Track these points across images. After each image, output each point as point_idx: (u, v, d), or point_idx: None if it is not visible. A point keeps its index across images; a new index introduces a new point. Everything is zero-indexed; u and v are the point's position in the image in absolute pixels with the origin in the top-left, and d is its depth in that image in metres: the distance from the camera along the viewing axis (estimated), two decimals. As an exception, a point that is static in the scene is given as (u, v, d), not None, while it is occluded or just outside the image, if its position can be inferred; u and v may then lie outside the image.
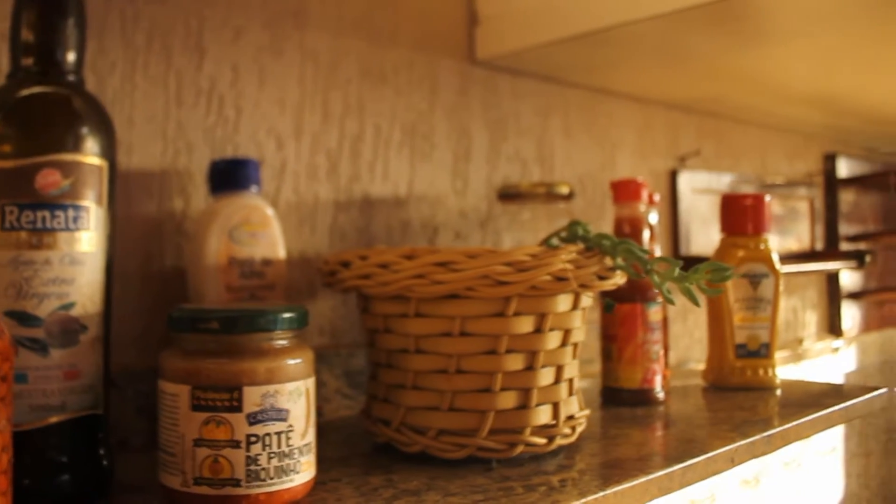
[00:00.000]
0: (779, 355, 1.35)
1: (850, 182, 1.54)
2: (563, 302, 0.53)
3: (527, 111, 0.91)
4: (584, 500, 0.46)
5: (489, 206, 0.84)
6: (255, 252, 0.61)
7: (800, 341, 1.42)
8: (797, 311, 1.44)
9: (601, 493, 0.47)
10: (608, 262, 0.53)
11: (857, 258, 1.41)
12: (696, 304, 0.50)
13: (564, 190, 0.74)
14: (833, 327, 1.51)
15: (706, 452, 0.57)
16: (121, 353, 0.57)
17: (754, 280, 0.83)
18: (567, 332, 0.55)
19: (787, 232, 1.42)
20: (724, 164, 1.25)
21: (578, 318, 0.55)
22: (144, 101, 0.63)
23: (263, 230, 0.61)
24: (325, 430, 0.67)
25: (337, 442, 0.63)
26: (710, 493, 1.17)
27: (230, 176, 0.62)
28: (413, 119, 0.80)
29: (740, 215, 0.84)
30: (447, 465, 0.53)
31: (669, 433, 0.65)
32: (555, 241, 0.55)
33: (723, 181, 1.23)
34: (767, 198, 0.85)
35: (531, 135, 0.92)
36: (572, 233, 0.54)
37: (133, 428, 0.59)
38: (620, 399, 0.74)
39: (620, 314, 0.74)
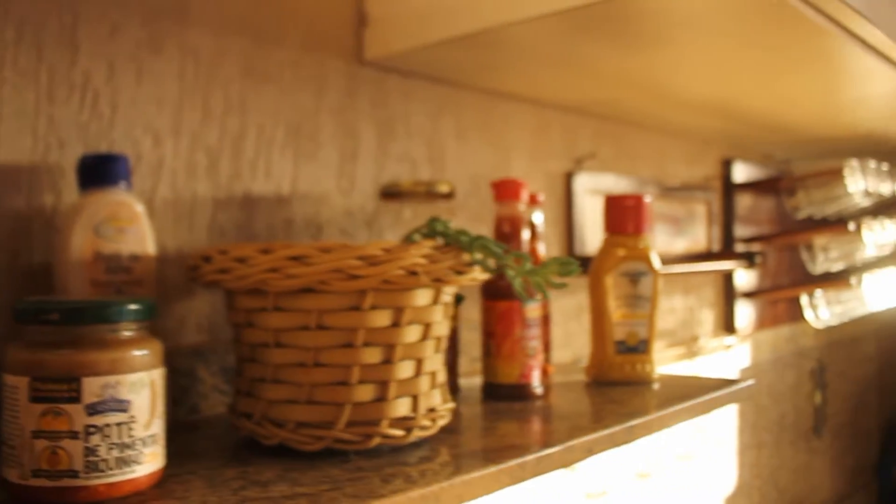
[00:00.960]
0: (674, 352, 1.41)
1: (746, 186, 1.60)
2: (421, 296, 0.55)
3: (417, 112, 0.93)
4: (427, 489, 0.47)
5: (376, 205, 0.85)
6: (122, 248, 0.60)
7: (695, 339, 1.48)
8: (693, 309, 1.49)
9: (447, 482, 0.49)
10: (465, 257, 0.55)
11: (748, 258, 1.48)
12: (546, 297, 0.52)
13: (444, 188, 0.76)
14: (728, 325, 1.57)
15: (564, 443, 0.59)
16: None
17: (634, 278, 0.86)
18: (428, 326, 0.56)
19: (685, 233, 1.47)
20: (622, 167, 1.29)
21: (439, 312, 0.57)
22: (14, 96, 0.62)
23: (132, 226, 0.61)
24: (200, 426, 0.68)
25: (208, 437, 0.63)
26: (603, 488, 1.20)
27: (98, 171, 0.61)
28: (298, 118, 0.80)
29: (622, 215, 0.87)
30: (306, 458, 0.54)
31: (536, 426, 0.68)
32: (416, 237, 0.57)
33: (620, 184, 1.27)
34: (648, 199, 0.88)
35: (422, 136, 0.93)
36: (431, 229, 0.56)
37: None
38: (499, 394, 0.76)
39: (498, 311, 0.76)
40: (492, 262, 0.55)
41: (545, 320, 0.85)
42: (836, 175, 1.46)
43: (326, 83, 0.83)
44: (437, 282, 0.53)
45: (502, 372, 0.76)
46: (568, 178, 1.16)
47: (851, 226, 1.50)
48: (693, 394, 0.79)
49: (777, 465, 1.77)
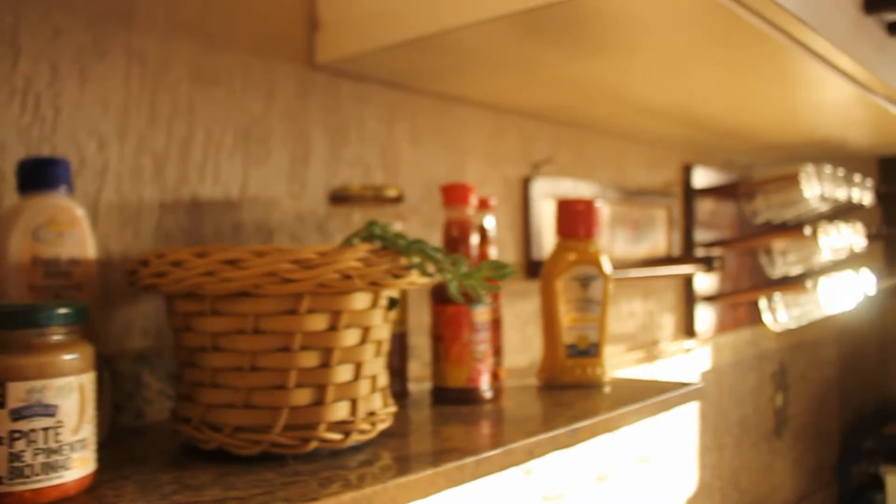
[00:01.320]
0: (634, 356, 1.42)
1: (706, 192, 1.62)
2: (359, 300, 0.55)
3: (371, 116, 0.93)
4: (360, 493, 0.47)
5: (328, 209, 0.85)
6: (61, 252, 0.60)
7: (655, 342, 1.49)
8: (654, 313, 1.51)
9: (381, 486, 0.49)
10: (403, 261, 0.55)
11: (707, 263, 1.49)
12: (481, 300, 0.52)
13: (392, 193, 0.76)
14: (688, 329, 1.59)
15: (505, 446, 0.60)
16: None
17: (584, 282, 0.87)
18: (367, 330, 0.56)
19: (645, 238, 1.48)
20: (581, 172, 1.30)
21: (379, 315, 0.57)
22: (-48, 98, 0.62)
23: (72, 230, 0.61)
24: (146, 432, 0.67)
25: (151, 442, 0.63)
26: (561, 491, 1.21)
27: (37, 175, 0.61)
28: (247, 122, 0.80)
29: (573, 220, 0.88)
30: (244, 462, 0.54)
31: (480, 429, 0.68)
32: (355, 240, 0.57)
33: (579, 189, 1.28)
34: (598, 203, 0.89)
35: (375, 140, 0.93)
36: (369, 232, 0.56)
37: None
38: (447, 398, 0.76)
39: (447, 315, 0.76)
40: (430, 266, 0.55)
41: (495, 324, 0.85)
42: (793, 180, 1.49)
43: (277, 87, 0.83)
44: (374, 285, 0.53)
45: (450, 376, 0.76)
46: (525, 183, 1.17)
47: (807, 230, 1.53)
48: (641, 397, 0.80)
49: (738, 466, 1.79)
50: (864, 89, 1.06)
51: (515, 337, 1.13)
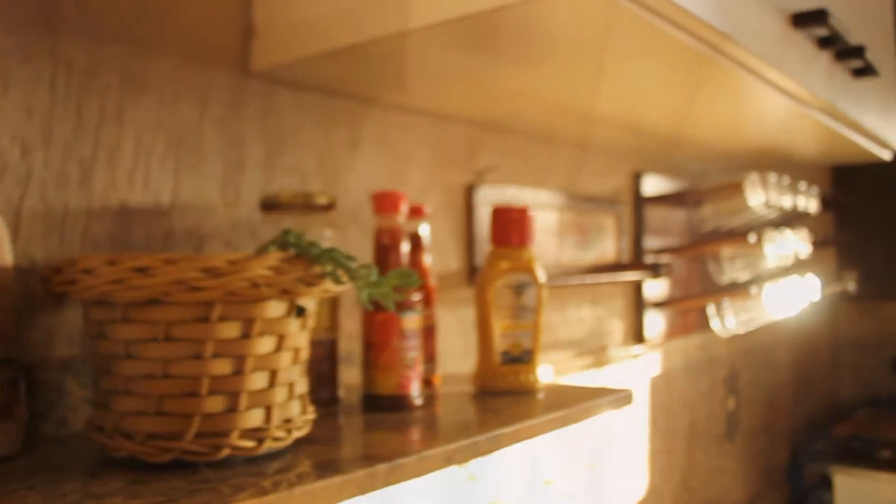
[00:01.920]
0: (582, 362, 1.44)
1: (656, 199, 1.64)
2: (273, 308, 0.55)
3: (309, 123, 0.93)
4: (264, 499, 0.48)
5: (262, 216, 0.85)
6: (-24, 259, 0.60)
7: (604, 349, 1.51)
8: (602, 319, 1.52)
9: (286, 493, 0.49)
10: (316, 269, 0.56)
11: (655, 269, 1.51)
12: (391, 308, 0.53)
13: (323, 200, 0.76)
14: (637, 335, 1.61)
15: (422, 452, 0.60)
16: None
17: (518, 290, 0.88)
18: (282, 338, 0.57)
19: (594, 245, 1.50)
20: (528, 179, 1.32)
21: (295, 323, 0.58)
22: None
23: (-13, 237, 0.60)
24: (68, 440, 0.67)
25: (70, 451, 0.62)
26: (506, 496, 1.22)
27: (-46, 182, 0.60)
28: (180, 129, 0.80)
29: (506, 228, 0.89)
30: (155, 470, 0.54)
31: (404, 436, 0.69)
32: (271, 248, 0.57)
33: (525, 196, 1.29)
34: (532, 211, 0.90)
35: (313, 148, 0.94)
36: (284, 241, 0.56)
37: None
38: (377, 405, 0.77)
39: (376, 322, 0.77)
40: (342, 275, 0.56)
41: (428, 331, 0.86)
42: (738, 189, 1.51)
43: (211, 94, 0.83)
44: (285, 294, 0.53)
45: (380, 383, 0.77)
46: (469, 191, 1.18)
47: (752, 238, 1.55)
48: (571, 403, 0.81)
49: (688, 469, 1.81)
50: (797, 102, 1.09)
51: (459, 343, 1.14)
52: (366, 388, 0.78)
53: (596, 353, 1.48)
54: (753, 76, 0.95)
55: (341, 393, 0.80)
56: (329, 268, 0.55)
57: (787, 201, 1.61)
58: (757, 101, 1.11)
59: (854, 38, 1.09)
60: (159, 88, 0.79)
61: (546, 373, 1.29)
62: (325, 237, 0.76)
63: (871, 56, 1.16)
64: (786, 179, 1.63)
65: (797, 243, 1.66)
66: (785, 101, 1.06)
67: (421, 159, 1.10)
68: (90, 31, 0.73)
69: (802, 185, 1.72)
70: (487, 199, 1.20)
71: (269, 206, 0.77)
